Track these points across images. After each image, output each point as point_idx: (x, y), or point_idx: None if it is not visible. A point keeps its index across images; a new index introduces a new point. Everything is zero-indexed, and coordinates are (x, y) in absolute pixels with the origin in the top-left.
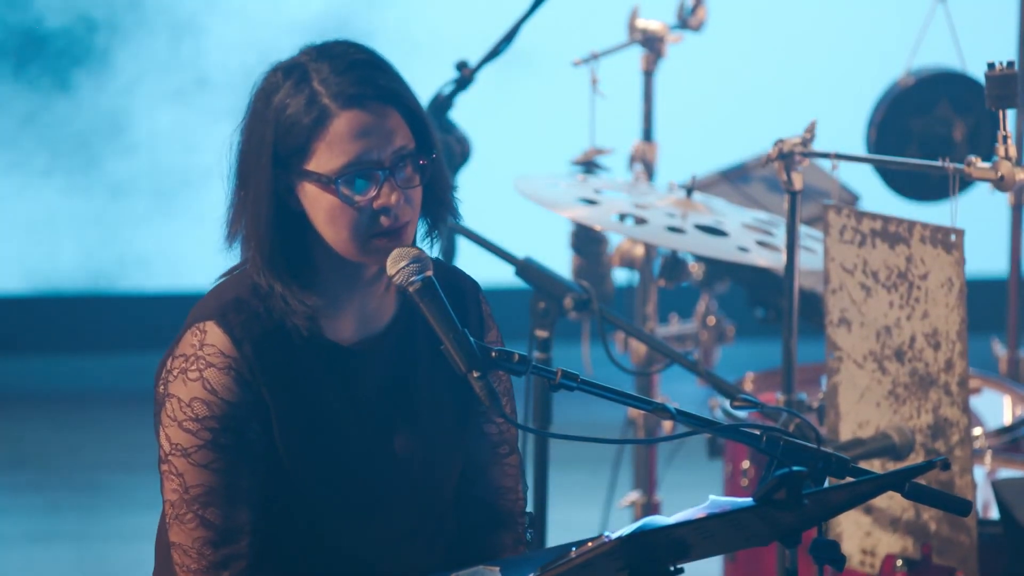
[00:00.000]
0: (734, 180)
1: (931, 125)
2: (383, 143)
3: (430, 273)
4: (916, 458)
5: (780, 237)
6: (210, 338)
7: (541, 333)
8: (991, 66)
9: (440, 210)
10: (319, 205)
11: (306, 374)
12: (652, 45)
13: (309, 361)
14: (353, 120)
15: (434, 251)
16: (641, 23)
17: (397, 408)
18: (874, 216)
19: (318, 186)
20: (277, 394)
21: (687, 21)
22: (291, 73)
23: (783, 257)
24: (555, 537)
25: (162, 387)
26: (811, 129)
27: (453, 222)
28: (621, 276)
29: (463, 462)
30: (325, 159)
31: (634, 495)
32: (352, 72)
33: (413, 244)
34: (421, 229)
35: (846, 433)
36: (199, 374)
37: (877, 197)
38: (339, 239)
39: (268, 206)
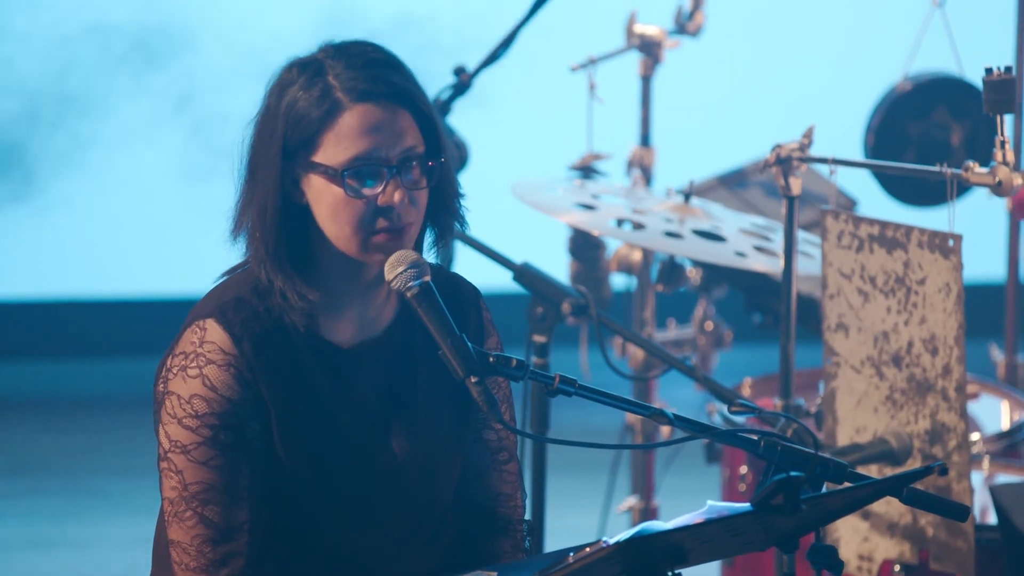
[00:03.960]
0: (732, 185)
1: (929, 130)
2: (392, 141)
3: (427, 278)
4: (913, 463)
5: (778, 242)
6: (210, 335)
7: (539, 338)
8: (989, 71)
9: (447, 217)
10: (324, 198)
11: (305, 374)
12: (650, 50)
13: (308, 361)
14: (364, 115)
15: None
16: (639, 28)
17: (395, 412)
18: (872, 221)
19: (324, 178)
20: (276, 393)
21: (685, 26)
22: (306, 68)
23: (781, 262)
24: (553, 542)
25: (162, 385)
26: (809, 134)
27: (460, 230)
28: (619, 281)
29: (462, 468)
30: (333, 151)
31: (632, 500)
32: (367, 69)
33: (418, 250)
34: (429, 237)
35: (843, 438)
36: (199, 371)
37: (875, 202)
38: (341, 234)
39: (275, 198)
